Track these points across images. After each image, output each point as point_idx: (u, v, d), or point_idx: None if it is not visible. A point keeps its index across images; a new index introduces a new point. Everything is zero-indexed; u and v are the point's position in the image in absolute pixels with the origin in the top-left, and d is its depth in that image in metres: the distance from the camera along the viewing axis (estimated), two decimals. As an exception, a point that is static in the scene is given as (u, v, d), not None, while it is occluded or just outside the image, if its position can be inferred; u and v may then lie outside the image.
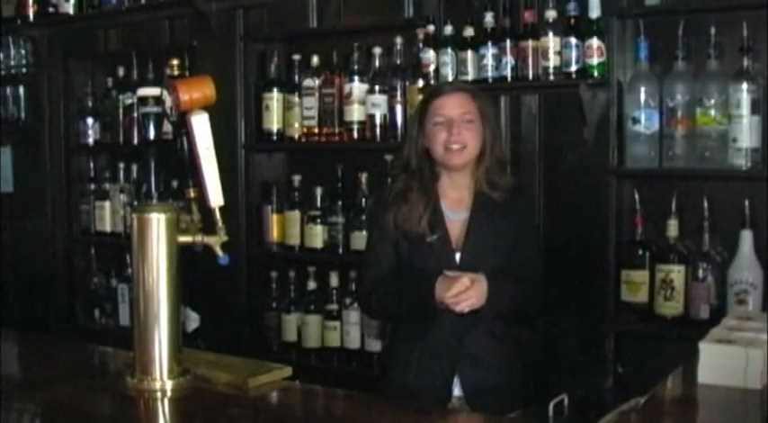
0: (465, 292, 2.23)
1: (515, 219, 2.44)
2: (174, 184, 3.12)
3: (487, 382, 2.35)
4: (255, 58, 3.69)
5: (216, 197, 2.06)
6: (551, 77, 2.94)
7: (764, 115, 2.69)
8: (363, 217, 3.28)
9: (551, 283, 3.12)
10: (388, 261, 2.44)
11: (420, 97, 2.68)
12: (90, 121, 4.28)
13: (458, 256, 2.38)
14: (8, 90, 4.54)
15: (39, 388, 2.13)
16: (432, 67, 3.12)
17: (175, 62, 2.35)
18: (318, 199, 3.49)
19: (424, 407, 2.13)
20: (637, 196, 2.89)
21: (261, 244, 3.67)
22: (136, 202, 3.86)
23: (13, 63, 4.49)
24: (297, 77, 3.53)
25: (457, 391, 2.36)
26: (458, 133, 2.35)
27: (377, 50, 3.32)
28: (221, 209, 2.08)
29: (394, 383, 2.41)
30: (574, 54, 2.88)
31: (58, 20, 4.24)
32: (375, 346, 3.37)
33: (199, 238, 2.09)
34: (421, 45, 3.18)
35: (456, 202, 2.43)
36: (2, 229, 4.62)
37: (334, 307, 3.47)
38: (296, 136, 3.53)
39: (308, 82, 3.46)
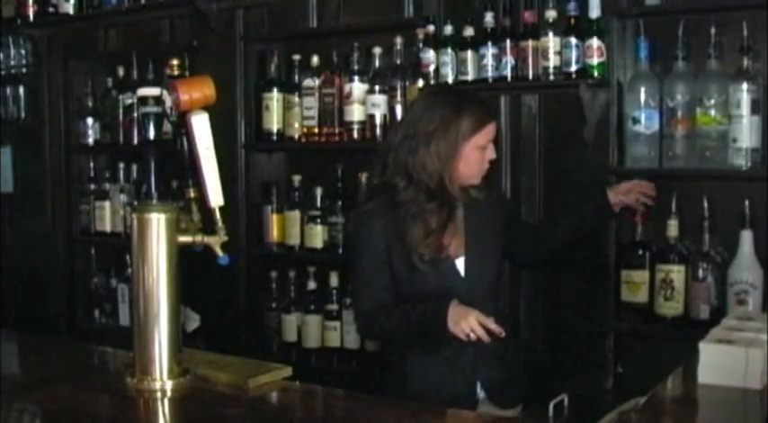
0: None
1: (498, 208, 2.49)
2: (174, 184, 3.11)
3: (502, 376, 2.38)
4: (255, 58, 3.69)
5: (216, 197, 2.06)
6: (551, 77, 2.94)
7: (764, 115, 2.69)
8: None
9: (552, 284, 3.13)
10: (383, 285, 2.33)
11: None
12: (90, 121, 4.28)
13: (460, 265, 2.35)
14: (8, 90, 4.54)
15: (39, 388, 2.13)
16: (432, 67, 3.12)
17: (175, 62, 2.34)
18: (318, 199, 3.49)
19: (424, 406, 2.13)
20: (637, 196, 2.89)
21: (261, 244, 3.67)
22: (136, 202, 3.86)
23: (13, 63, 4.49)
24: (297, 77, 3.53)
25: (479, 390, 2.36)
26: (491, 155, 2.36)
27: (377, 50, 3.32)
28: (221, 209, 2.08)
29: (414, 397, 2.31)
30: (574, 54, 2.88)
31: (58, 20, 4.24)
32: (375, 346, 3.36)
33: (199, 238, 2.09)
34: (421, 45, 3.18)
35: None
36: (2, 229, 4.63)
37: (334, 307, 3.47)
38: (296, 136, 3.53)
39: (308, 82, 3.46)
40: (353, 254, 2.42)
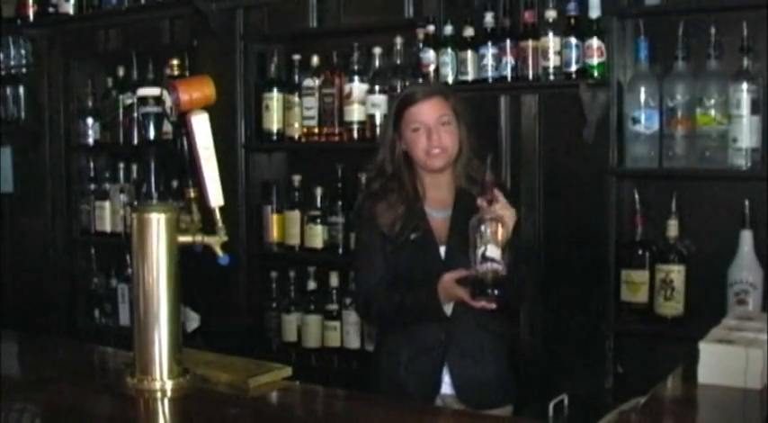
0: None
1: None
2: (174, 184, 3.11)
3: (477, 376, 2.36)
4: (255, 58, 3.69)
5: (216, 197, 2.06)
6: (551, 77, 2.94)
7: (764, 115, 2.69)
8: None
9: (552, 284, 3.12)
10: (381, 266, 2.40)
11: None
12: (90, 121, 4.28)
13: (442, 250, 2.38)
14: (8, 90, 4.54)
15: (39, 388, 2.13)
16: (432, 67, 3.12)
17: (175, 62, 2.34)
18: (318, 199, 3.49)
19: (424, 406, 2.13)
20: (637, 196, 2.89)
21: (261, 244, 3.67)
22: (136, 202, 3.86)
23: (13, 63, 4.50)
24: (297, 77, 3.53)
25: (447, 387, 2.36)
26: (437, 138, 2.35)
27: (377, 50, 3.32)
28: (221, 209, 2.08)
29: (382, 378, 2.42)
30: (574, 54, 2.88)
31: (58, 20, 4.25)
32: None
33: (199, 238, 2.09)
34: (421, 45, 3.18)
35: (438, 202, 2.43)
36: (2, 229, 4.63)
37: (334, 307, 3.47)
38: (296, 136, 3.53)
39: (308, 82, 3.46)
40: (356, 234, 2.56)
